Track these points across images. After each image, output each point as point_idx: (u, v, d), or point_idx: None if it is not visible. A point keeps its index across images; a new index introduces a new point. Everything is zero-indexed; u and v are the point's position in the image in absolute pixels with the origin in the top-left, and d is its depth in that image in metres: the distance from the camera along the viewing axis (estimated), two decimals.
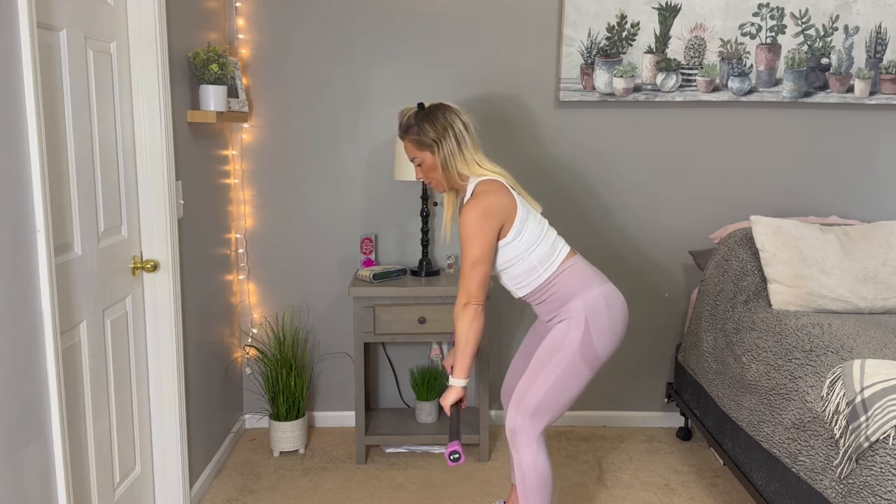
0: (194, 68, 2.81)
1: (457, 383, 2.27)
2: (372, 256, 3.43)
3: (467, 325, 2.23)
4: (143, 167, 2.53)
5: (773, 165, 3.45)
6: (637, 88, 3.33)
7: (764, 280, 2.96)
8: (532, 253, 2.27)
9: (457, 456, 2.13)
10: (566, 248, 2.34)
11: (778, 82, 3.33)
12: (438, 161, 2.31)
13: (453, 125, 2.29)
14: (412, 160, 2.38)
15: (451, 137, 2.29)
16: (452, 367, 2.31)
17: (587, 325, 2.24)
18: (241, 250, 3.47)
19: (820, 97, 3.34)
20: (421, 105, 2.35)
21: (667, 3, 3.27)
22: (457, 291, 3.06)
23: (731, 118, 3.41)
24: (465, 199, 2.31)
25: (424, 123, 2.30)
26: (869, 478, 1.93)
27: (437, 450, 3.35)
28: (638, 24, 3.27)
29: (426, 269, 3.29)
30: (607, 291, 2.29)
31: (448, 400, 2.27)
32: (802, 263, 2.83)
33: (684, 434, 3.48)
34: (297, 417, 3.30)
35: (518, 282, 2.33)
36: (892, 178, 3.46)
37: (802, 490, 2.22)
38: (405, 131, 2.35)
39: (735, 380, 2.76)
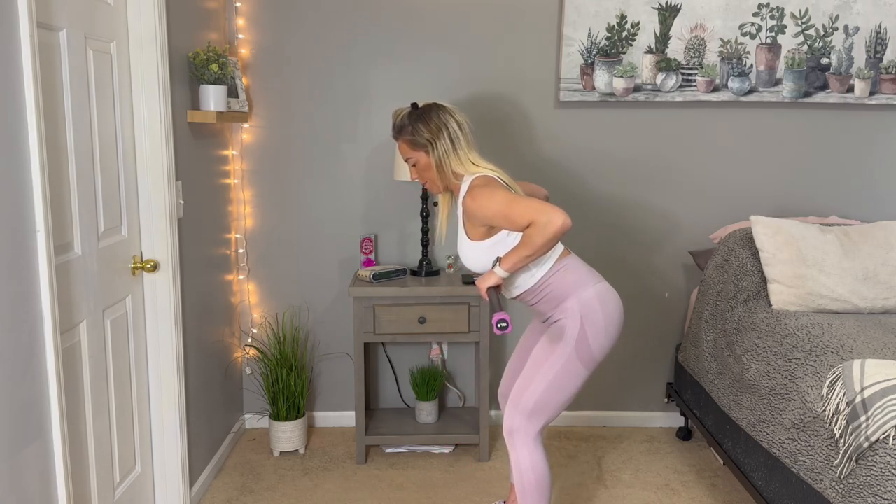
0: (194, 68, 2.81)
1: (500, 273, 2.20)
2: (372, 256, 3.43)
3: (545, 241, 2.11)
4: (143, 167, 2.53)
5: (773, 165, 3.45)
6: (637, 88, 3.33)
7: (764, 280, 2.96)
8: None
9: (504, 324, 2.10)
10: (560, 248, 2.33)
11: (778, 82, 3.33)
12: (433, 161, 2.31)
13: (447, 124, 2.29)
14: (406, 160, 2.37)
15: (446, 137, 2.28)
16: (499, 259, 2.21)
17: (582, 324, 2.24)
18: (241, 250, 3.47)
19: (820, 97, 3.34)
20: (414, 105, 2.35)
21: (667, 3, 3.27)
22: (458, 291, 3.07)
23: (731, 118, 3.41)
24: (461, 196, 2.30)
25: (418, 123, 2.30)
26: (869, 478, 1.93)
27: (436, 450, 3.35)
28: (638, 24, 3.27)
29: (426, 269, 3.29)
30: (602, 290, 2.29)
31: (486, 283, 2.22)
32: (802, 263, 2.83)
33: (684, 434, 3.48)
34: (297, 417, 3.30)
35: (511, 281, 2.32)
36: (892, 178, 3.46)
37: (802, 490, 2.22)
38: (399, 132, 2.35)
39: (735, 380, 2.76)
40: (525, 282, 2.30)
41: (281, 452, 3.33)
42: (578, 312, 2.24)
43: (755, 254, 3.00)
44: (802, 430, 2.27)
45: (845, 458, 2.02)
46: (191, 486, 2.85)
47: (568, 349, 2.24)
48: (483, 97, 3.37)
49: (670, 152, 3.44)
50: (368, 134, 3.41)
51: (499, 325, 2.12)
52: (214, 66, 2.78)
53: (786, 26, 3.29)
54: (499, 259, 2.21)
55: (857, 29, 3.29)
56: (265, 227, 3.47)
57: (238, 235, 3.45)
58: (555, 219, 2.08)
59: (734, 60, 3.31)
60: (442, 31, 3.34)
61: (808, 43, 3.30)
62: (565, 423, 3.62)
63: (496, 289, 2.25)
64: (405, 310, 3.11)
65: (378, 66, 3.37)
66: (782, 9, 3.27)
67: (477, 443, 3.27)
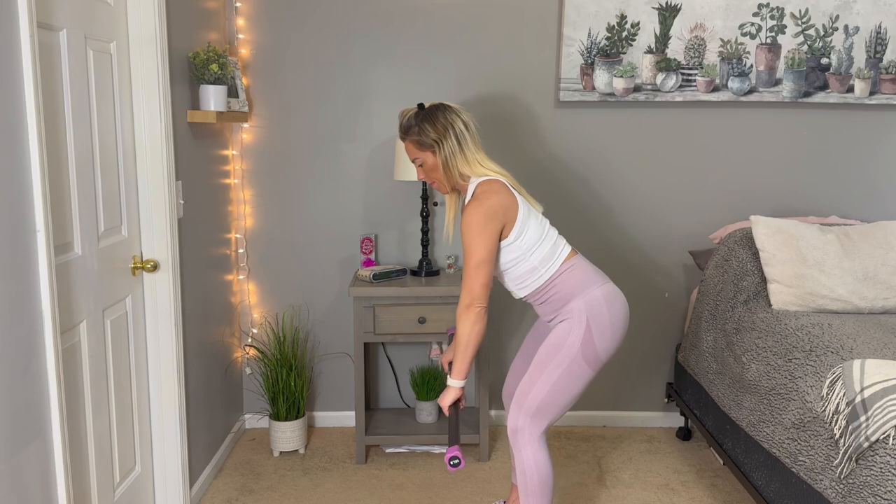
0: (194, 68, 2.81)
1: (455, 384, 2.26)
2: (372, 256, 3.43)
3: (469, 327, 2.22)
4: (143, 167, 2.54)
5: (773, 165, 3.45)
6: (637, 88, 3.33)
7: (764, 280, 2.96)
8: (533, 253, 2.27)
9: (457, 461, 2.12)
10: (567, 249, 2.33)
11: (778, 82, 3.33)
12: (440, 161, 2.31)
13: (454, 125, 2.29)
14: (413, 161, 2.38)
15: (452, 137, 2.29)
16: (451, 367, 2.30)
17: (588, 325, 2.24)
18: (241, 250, 3.47)
19: (820, 97, 3.34)
20: (421, 105, 2.35)
21: (667, 3, 3.27)
22: (458, 291, 3.08)
23: (731, 118, 3.41)
24: (467, 200, 2.31)
25: (425, 123, 2.30)
26: (869, 478, 1.93)
27: (437, 450, 3.35)
28: (638, 24, 3.27)
29: (426, 269, 3.29)
30: (608, 291, 2.29)
31: (446, 400, 2.27)
32: (802, 263, 2.83)
33: (684, 434, 3.48)
34: (297, 417, 3.30)
35: (519, 282, 2.33)
36: (892, 178, 3.46)
37: (802, 490, 2.22)
38: (406, 132, 2.35)
39: (735, 380, 2.76)
40: (532, 283, 2.30)
41: (281, 452, 3.33)
42: (585, 313, 2.24)
43: (755, 254, 3.00)
44: (802, 430, 2.27)
45: (845, 458, 2.02)
46: (191, 486, 2.85)
47: (573, 350, 2.24)
48: (483, 97, 3.37)
49: (670, 152, 3.43)
50: (368, 134, 3.41)
51: (451, 462, 2.13)
52: (214, 66, 2.78)
53: (786, 26, 3.29)
54: (450, 368, 2.24)
55: (857, 29, 3.29)
56: (265, 227, 3.47)
57: (238, 235, 3.45)
58: (471, 309, 2.21)
59: (734, 60, 3.31)
60: (442, 31, 3.34)
61: (808, 43, 3.30)
62: (565, 423, 3.62)
63: (457, 404, 2.28)
64: (405, 310, 3.11)
65: (378, 67, 3.37)
66: (782, 9, 3.27)
67: (477, 443, 3.27)
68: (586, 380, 2.28)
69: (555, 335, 2.28)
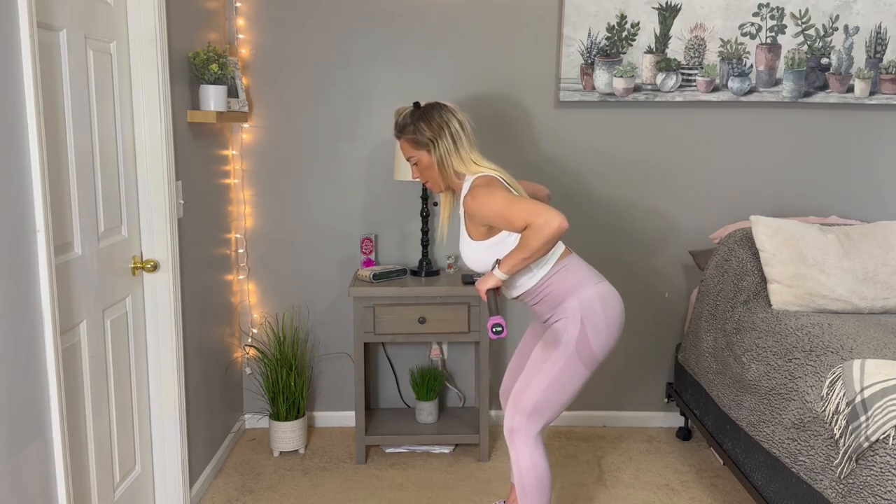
0: (194, 68, 2.81)
1: (499, 275, 2.20)
2: (372, 256, 3.43)
3: (543, 241, 2.10)
4: (143, 167, 2.53)
5: (773, 165, 3.45)
6: (637, 88, 3.33)
7: (764, 280, 2.96)
8: None
9: (500, 329, 2.11)
10: (561, 247, 2.33)
11: (778, 82, 3.33)
12: (434, 160, 2.31)
13: (449, 124, 2.29)
14: (408, 159, 2.38)
15: (447, 136, 2.29)
16: (499, 261, 2.22)
17: (583, 324, 2.23)
18: (241, 250, 3.47)
19: (820, 97, 3.34)
20: (416, 104, 2.35)
21: (667, 3, 3.27)
22: (458, 291, 3.08)
23: (731, 118, 3.41)
24: (462, 196, 2.30)
25: (420, 122, 2.30)
26: (869, 478, 1.93)
27: (436, 450, 3.35)
28: (638, 24, 3.27)
29: (426, 269, 3.29)
30: (603, 290, 2.28)
31: (485, 284, 2.22)
32: (802, 263, 2.83)
33: (684, 434, 3.48)
34: (297, 417, 3.30)
35: (512, 282, 2.32)
36: (892, 178, 3.46)
37: (802, 490, 2.22)
38: (401, 130, 2.35)
39: (735, 380, 2.76)
40: (525, 282, 2.30)
41: (281, 452, 3.33)
42: (579, 312, 2.24)
43: (755, 254, 3.00)
44: (802, 430, 2.27)
45: (845, 458, 2.02)
46: (191, 486, 2.85)
47: (568, 349, 2.24)
48: (483, 97, 3.37)
49: (670, 152, 3.43)
50: (368, 134, 3.41)
51: (494, 330, 2.13)
52: (214, 66, 2.78)
53: (786, 26, 3.29)
54: (498, 261, 2.21)
55: (857, 29, 3.29)
56: (265, 227, 3.47)
57: (238, 235, 3.45)
58: (550, 221, 2.08)
59: (734, 60, 3.31)
60: (442, 31, 3.34)
61: (808, 43, 3.30)
62: (565, 423, 3.62)
63: (495, 291, 2.25)
64: (405, 310, 3.11)
65: (378, 66, 3.37)
66: (782, 9, 3.27)
67: (477, 443, 3.27)
68: (582, 379, 2.28)
69: (550, 334, 2.29)
